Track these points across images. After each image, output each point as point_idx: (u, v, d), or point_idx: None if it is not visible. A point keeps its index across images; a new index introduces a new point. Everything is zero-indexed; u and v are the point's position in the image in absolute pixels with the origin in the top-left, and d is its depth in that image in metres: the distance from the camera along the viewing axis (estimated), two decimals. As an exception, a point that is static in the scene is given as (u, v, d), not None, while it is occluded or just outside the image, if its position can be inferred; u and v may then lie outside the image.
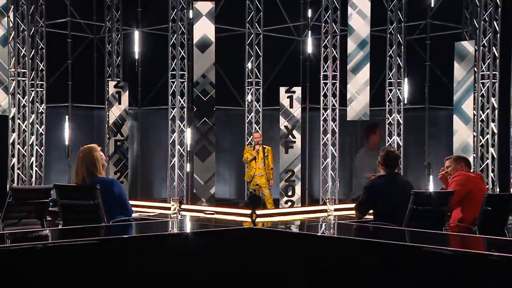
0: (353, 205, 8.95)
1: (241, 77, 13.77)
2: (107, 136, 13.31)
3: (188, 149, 13.05)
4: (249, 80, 13.50)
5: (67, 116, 13.47)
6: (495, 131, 12.02)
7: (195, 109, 12.62)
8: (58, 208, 5.99)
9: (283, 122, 12.99)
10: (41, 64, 12.68)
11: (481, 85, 12.01)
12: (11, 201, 5.78)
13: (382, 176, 6.35)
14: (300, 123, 13.11)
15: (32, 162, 12.24)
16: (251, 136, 11.90)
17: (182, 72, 12.84)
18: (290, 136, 12.80)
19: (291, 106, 12.92)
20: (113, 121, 13.16)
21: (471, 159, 11.81)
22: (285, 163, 12.92)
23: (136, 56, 14.21)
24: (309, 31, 14.26)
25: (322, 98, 12.85)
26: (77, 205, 5.90)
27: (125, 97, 13.19)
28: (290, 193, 12.77)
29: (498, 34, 11.89)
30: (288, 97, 12.97)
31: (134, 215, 6.76)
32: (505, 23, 11.90)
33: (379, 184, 6.36)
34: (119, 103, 13.12)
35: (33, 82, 12.44)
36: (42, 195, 5.97)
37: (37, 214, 5.95)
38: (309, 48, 14.20)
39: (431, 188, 12.44)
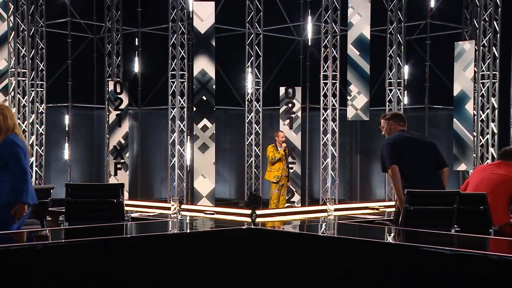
0: (352, 205, 8.97)
1: (241, 77, 13.77)
2: (107, 136, 13.31)
3: (188, 149, 13.05)
4: (249, 80, 13.50)
5: (67, 116, 13.48)
6: (495, 131, 12.02)
7: (195, 109, 12.63)
8: (65, 206, 5.99)
9: (283, 123, 13.02)
10: (41, 64, 12.69)
11: (481, 85, 12.01)
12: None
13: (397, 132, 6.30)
14: (300, 124, 13.13)
15: (32, 162, 12.24)
16: (276, 135, 11.70)
17: (182, 72, 12.84)
18: (290, 157, 12.71)
19: (292, 97, 12.98)
20: (113, 121, 13.15)
21: (471, 159, 11.82)
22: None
23: (136, 56, 14.21)
24: (309, 31, 14.27)
25: (322, 98, 12.86)
26: (98, 203, 5.91)
27: (125, 97, 13.19)
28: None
29: (498, 34, 11.89)
30: (288, 97, 12.99)
31: (134, 215, 6.77)
32: (505, 23, 11.91)
33: (398, 136, 6.26)
34: (119, 103, 13.11)
35: (33, 82, 12.44)
36: (42, 195, 5.97)
37: (37, 214, 5.94)
38: (309, 48, 14.21)
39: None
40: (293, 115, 13.11)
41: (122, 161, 13.12)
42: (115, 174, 13.03)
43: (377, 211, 7.58)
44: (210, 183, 12.35)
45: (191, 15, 12.81)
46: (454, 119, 12.05)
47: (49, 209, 6.31)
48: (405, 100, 13.22)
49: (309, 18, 14.13)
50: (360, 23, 12.42)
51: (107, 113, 13.27)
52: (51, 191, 6.08)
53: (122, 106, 13.14)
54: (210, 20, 12.32)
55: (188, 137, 13.04)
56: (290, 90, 13.13)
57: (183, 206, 7.56)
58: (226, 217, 6.89)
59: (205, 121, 12.41)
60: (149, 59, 14.55)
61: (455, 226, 5.80)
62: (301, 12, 14.54)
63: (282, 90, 13.03)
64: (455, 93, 12.05)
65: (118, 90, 13.09)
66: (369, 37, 12.42)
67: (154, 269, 4.80)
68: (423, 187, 5.92)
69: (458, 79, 12.00)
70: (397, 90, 12.89)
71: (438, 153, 6.31)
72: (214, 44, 12.40)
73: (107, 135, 13.32)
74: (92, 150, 14.58)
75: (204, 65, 12.33)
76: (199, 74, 12.34)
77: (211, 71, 12.35)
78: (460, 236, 5.61)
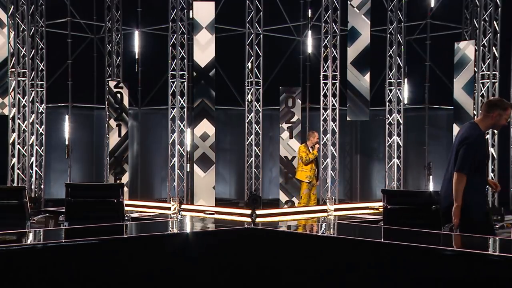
0: (352, 205, 8.97)
1: (241, 77, 13.77)
2: (107, 136, 13.31)
3: (188, 149, 13.05)
4: (249, 80, 13.51)
5: (67, 116, 13.48)
6: (495, 131, 12.02)
7: (195, 109, 12.62)
8: (65, 206, 5.97)
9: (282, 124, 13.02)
10: (41, 64, 12.68)
11: (481, 85, 12.01)
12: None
13: None
14: (300, 124, 13.12)
15: (32, 162, 12.24)
16: (308, 135, 11.64)
17: (182, 72, 12.84)
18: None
19: (291, 106, 12.96)
20: (116, 143, 13.11)
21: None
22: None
23: (136, 56, 14.21)
24: (309, 31, 14.27)
25: (322, 98, 12.86)
26: (98, 203, 5.91)
27: (125, 97, 13.17)
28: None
29: (498, 34, 11.89)
30: (288, 97, 12.98)
31: (134, 215, 6.76)
32: (505, 23, 11.92)
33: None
34: (119, 103, 13.10)
35: (33, 82, 12.44)
36: (14, 195, 5.85)
37: (17, 218, 5.81)
38: (309, 48, 14.21)
39: (431, 188, 12.46)
40: (292, 124, 13.07)
41: (120, 170, 13.12)
42: (115, 174, 13.02)
43: (377, 211, 7.57)
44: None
45: (191, 25, 12.83)
46: (454, 119, 12.04)
47: (49, 209, 6.30)
48: (405, 100, 13.21)
49: (309, 18, 14.11)
50: (360, 23, 12.42)
51: (107, 113, 13.27)
52: (24, 192, 5.90)
53: (122, 115, 13.10)
54: (211, 52, 12.35)
55: (188, 136, 13.02)
56: (290, 100, 13.09)
57: (183, 206, 7.56)
58: (226, 217, 6.88)
59: (205, 126, 12.38)
60: (149, 59, 14.55)
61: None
62: (301, 12, 14.54)
63: (282, 90, 13.02)
64: (455, 93, 12.04)
65: (118, 97, 13.07)
66: (369, 37, 12.41)
67: (154, 269, 4.80)
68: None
69: (458, 79, 12.00)
70: (397, 90, 12.89)
71: (459, 153, 5.48)
72: (214, 78, 12.44)
73: (107, 135, 13.31)
74: (92, 150, 14.58)
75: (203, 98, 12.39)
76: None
77: (211, 105, 12.38)
78: (460, 236, 5.60)
